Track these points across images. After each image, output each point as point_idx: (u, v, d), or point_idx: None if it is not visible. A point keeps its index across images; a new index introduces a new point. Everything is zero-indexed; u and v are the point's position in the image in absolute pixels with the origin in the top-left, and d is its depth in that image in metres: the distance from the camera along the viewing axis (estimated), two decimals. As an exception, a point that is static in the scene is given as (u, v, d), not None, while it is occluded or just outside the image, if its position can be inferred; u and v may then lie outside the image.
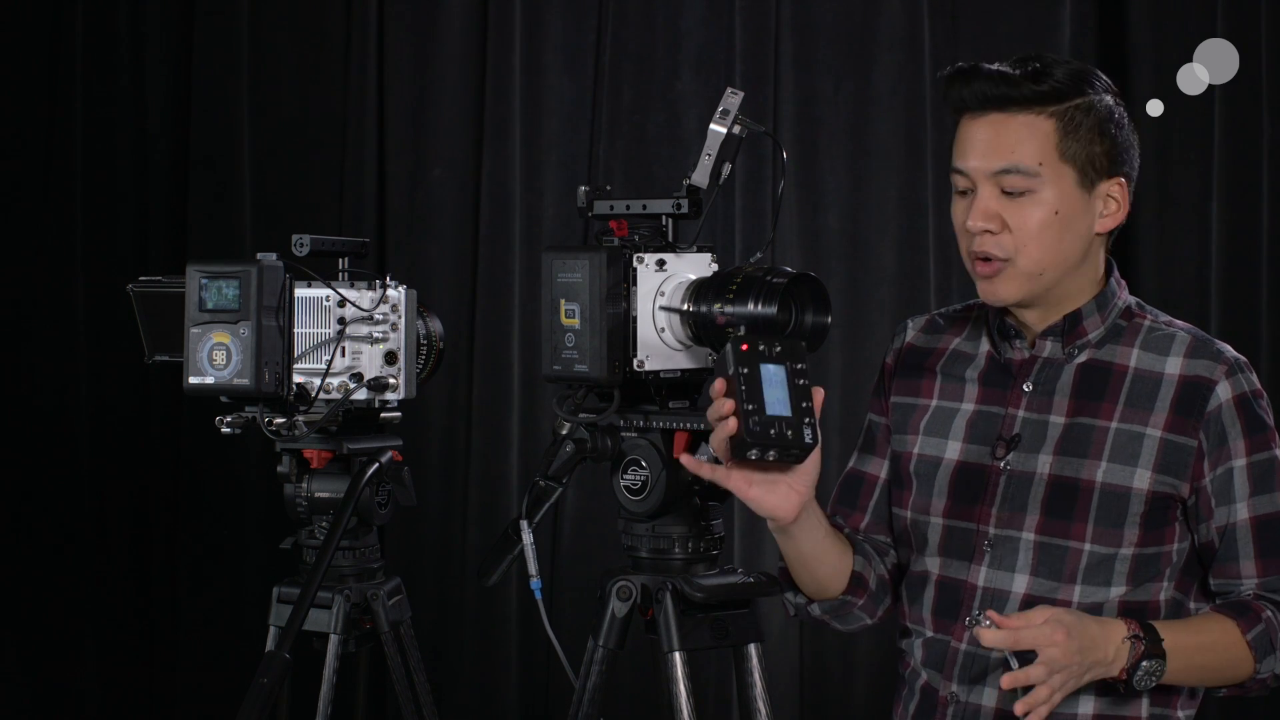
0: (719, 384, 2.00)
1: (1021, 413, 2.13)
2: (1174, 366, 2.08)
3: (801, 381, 2.02)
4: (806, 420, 2.00)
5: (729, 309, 2.28)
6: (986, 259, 2.09)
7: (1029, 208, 2.07)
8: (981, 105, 2.08)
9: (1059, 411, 2.11)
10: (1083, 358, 2.13)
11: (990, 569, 2.12)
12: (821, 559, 2.18)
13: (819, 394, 2.03)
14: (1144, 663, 1.98)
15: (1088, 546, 2.07)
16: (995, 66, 2.08)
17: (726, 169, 2.36)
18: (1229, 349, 2.11)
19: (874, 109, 3.98)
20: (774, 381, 2.00)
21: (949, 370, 2.22)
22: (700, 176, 2.35)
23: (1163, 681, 2.02)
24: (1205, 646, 2.04)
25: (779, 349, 2.02)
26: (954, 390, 2.20)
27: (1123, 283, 2.17)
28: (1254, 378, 2.10)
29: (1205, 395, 2.06)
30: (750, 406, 1.98)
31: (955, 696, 2.13)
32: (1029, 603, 2.09)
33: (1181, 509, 2.10)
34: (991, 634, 1.96)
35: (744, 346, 1.99)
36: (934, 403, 2.21)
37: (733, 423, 1.97)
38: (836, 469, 3.96)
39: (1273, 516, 2.07)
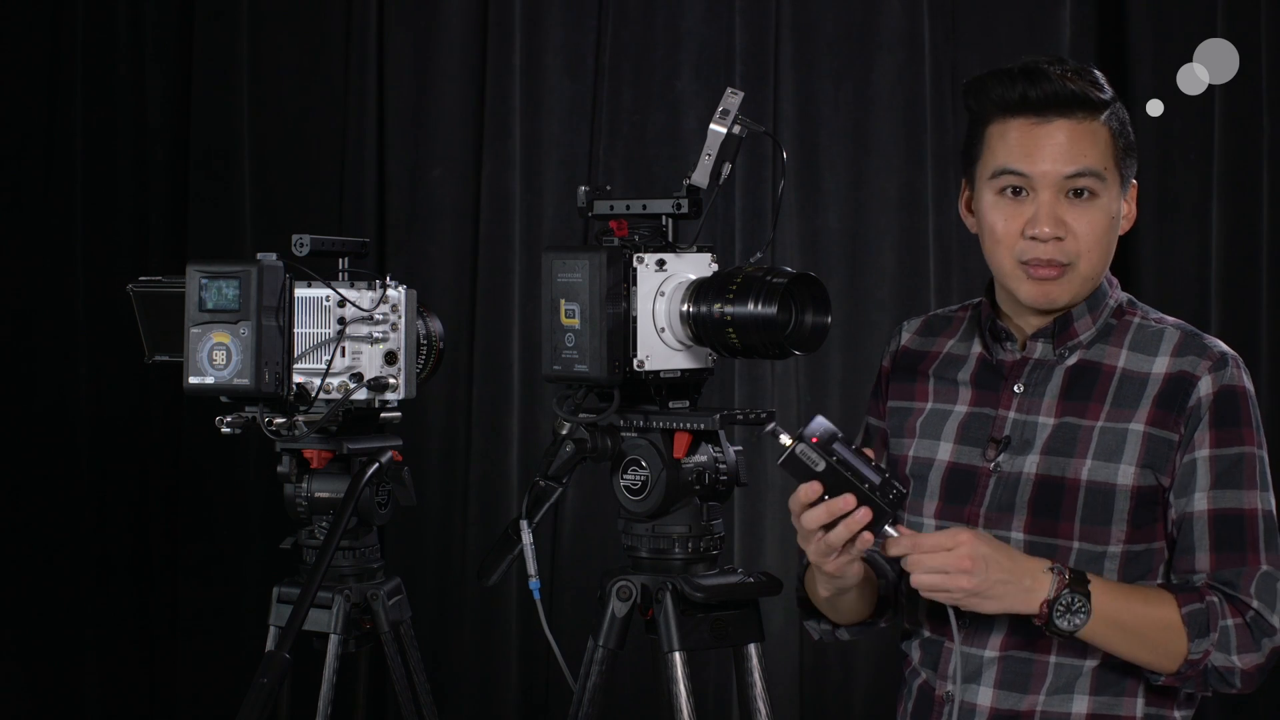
0: (812, 487, 1.98)
1: (1012, 414, 2.13)
2: (1161, 365, 2.08)
3: (855, 445, 2.02)
4: (886, 472, 2.00)
5: (729, 309, 2.28)
6: (1046, 263, 2.08)
7: (1093, 213, 2.08)
8: (1045, 107, 2.07)
9: (1048, 413, 2.11)
10: (1073, 359, 2.13)
11: None
12: (858, 595, 2.21)
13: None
14: (1066, 594, 1.96)
15: (1076, 544, 2.07)
16: (1057, 69, 2.08)
17: (726, 169, 2.36)
18: (1219, 344, 2.10)
19: (874, 109, 3.98)
20: (853, 454, 2.00)
21: (941, 374, 2.22)
22: (700, 176, 2.35)
23: (1087, 637, 1.99)
24: (1136, 610, 2.00)
25: (831, 432, 2.00)
26: (947, 393, 2.21)
27: (1114, 281, 2.17)
28: (1242, 374, 2.08)
29: (1188, 390, 2.06)
30: (867, 485, 1.98)
31: (951, 695, 2.13)
32: None
33: (1165, 503, 2.09)
34: (894, 542, 1.99)
35: (815, 439, 1.98)
36: (929, 405, 2.22)
37: (863, 512, 1.97)
38: (836, 469, 3.98)
39: (1232, 513, 2.05)
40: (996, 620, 2.10)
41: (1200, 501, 2.04)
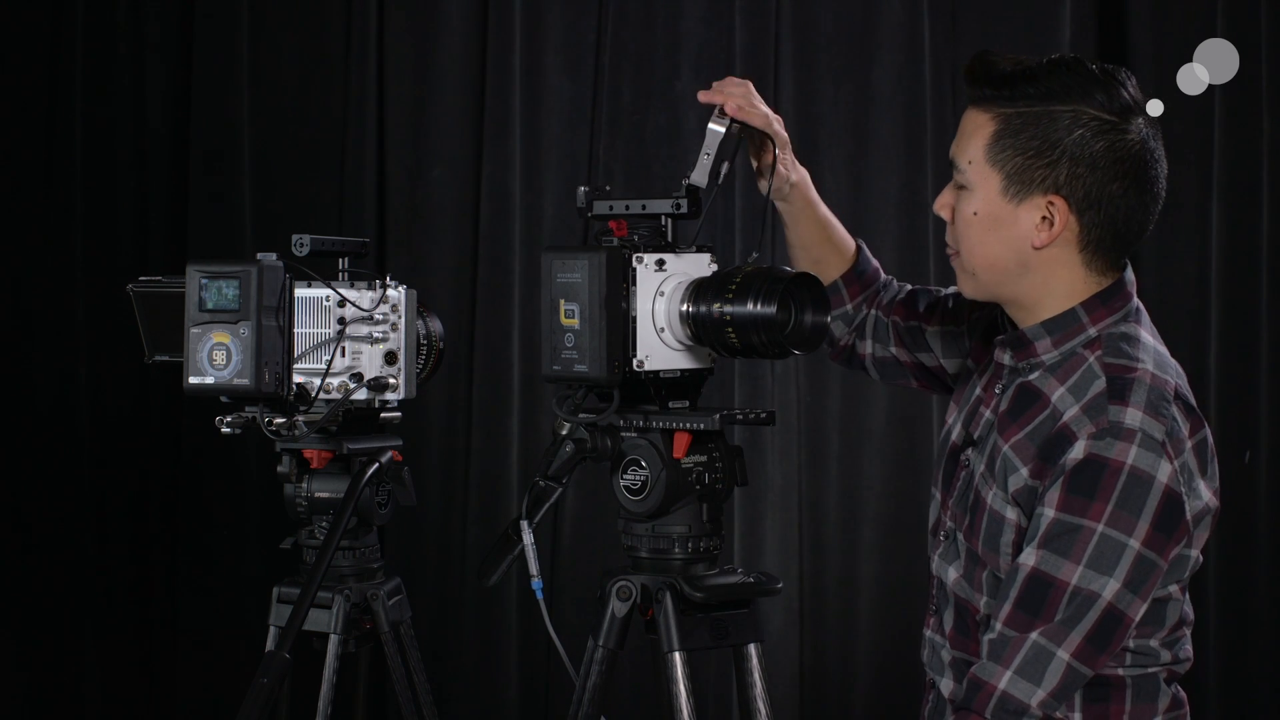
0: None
1: (987, 413, 2.11)
2: (1070, 413, 1.97)
3: None
4: None
5: (728, 309, 2.28)
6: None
7: (962, 203, 2.07)
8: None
9: (997, 423, 2.09)
10: (1030, 376, 2.06)
11: (940, 558, 2.13)
12: (809, 241, 2.43)
13: None
14: None
15: (987, 564, 2.05)
16: (991, 59, 2.04)
17: (725, 168, 2.36)
18: (1124, 414, 1.93)
19: (874, 109, 3.98)
20: None
21: (989, 351, 2.21)
22: (699, 176, 2.36)
23: None
24: None
25: None
26: (984, 368, 2.19)
27: (1100, 310, 2.05)
28: (1125, 447, 1.91)
29: (1064, 448, 1.95)
30: None
31: (932, 682, 2.14)
32: (957, 599, 2.09)
33: None
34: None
35: None
36: (974, 374, 2.21)
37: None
38: (837, 469, 3.98)
39: (1044, 578, 1.93)
40: (946, 611, 2.11)
41: (1028, 556, 1.95)
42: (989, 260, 2.06)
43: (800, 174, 2.41)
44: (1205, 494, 1.98)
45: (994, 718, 1.93)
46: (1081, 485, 1.92)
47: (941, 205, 2.10)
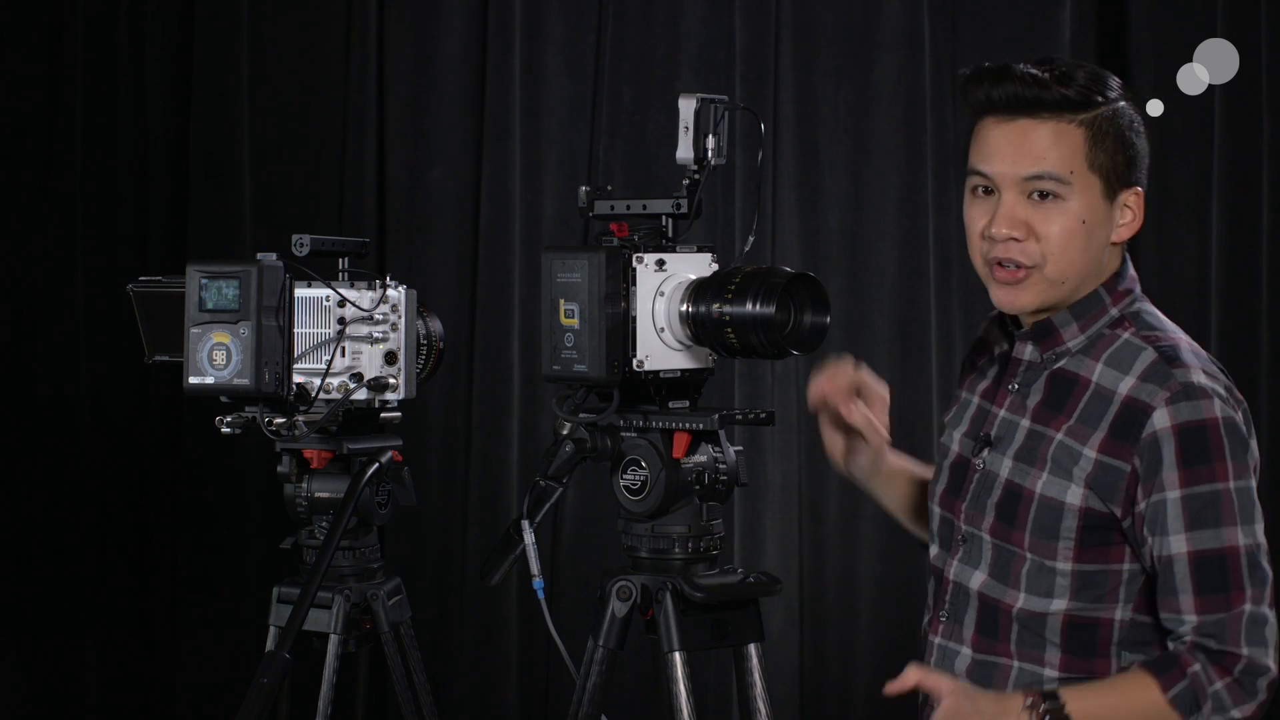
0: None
1: (1002, 412, 2.12)
2: (1125, 386, 2.01)
3: None
4: None
5: (727, 309, 2.28)
6: (1009, 265, 2.06)
7: (1056, 215, 2.04)
8: (1010, 108, 2.04)
9: (1027, 416, 2.09)
10: (1059, 364, 2.08)
11: (960, 563, 2.12)
12: (886, 490, 2.36)
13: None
14: None
15: (1028, 555, 2.05)
16: (1024, 68, 2.04)
17: (711, 141, 2.37)
18: (1190, 374, 1.99)
19: (874, 109, 3.98)
20: None
21: (980, 364, 2.21)
22: (684, 152, 2.37)
23: None
24: (1119, 711, 1.98)
25: None
26: (974, 383, 2.20)
27: (1118, 292, 2.10)
28: (1210, 404, 1.98)
29: (1141, 421, 1.98)
30: None
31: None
32: (984, 600, 2.08)
33: (1121, 531, 2.04)
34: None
35: None
36: (964, 394, 2.22)
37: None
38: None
39: (1213, 553, 1.96)
40: (966, 616, 2.10)
41: (1178, 544, 1.97)
42: (1084, 267, 2.07)
43: (888, 459, 2.36)
44: (1257, 454, 2.05)
45: (1242, 677, 1.97)
46: (1195, 455, 1.97)
47: (1015, 224, 2.05)
